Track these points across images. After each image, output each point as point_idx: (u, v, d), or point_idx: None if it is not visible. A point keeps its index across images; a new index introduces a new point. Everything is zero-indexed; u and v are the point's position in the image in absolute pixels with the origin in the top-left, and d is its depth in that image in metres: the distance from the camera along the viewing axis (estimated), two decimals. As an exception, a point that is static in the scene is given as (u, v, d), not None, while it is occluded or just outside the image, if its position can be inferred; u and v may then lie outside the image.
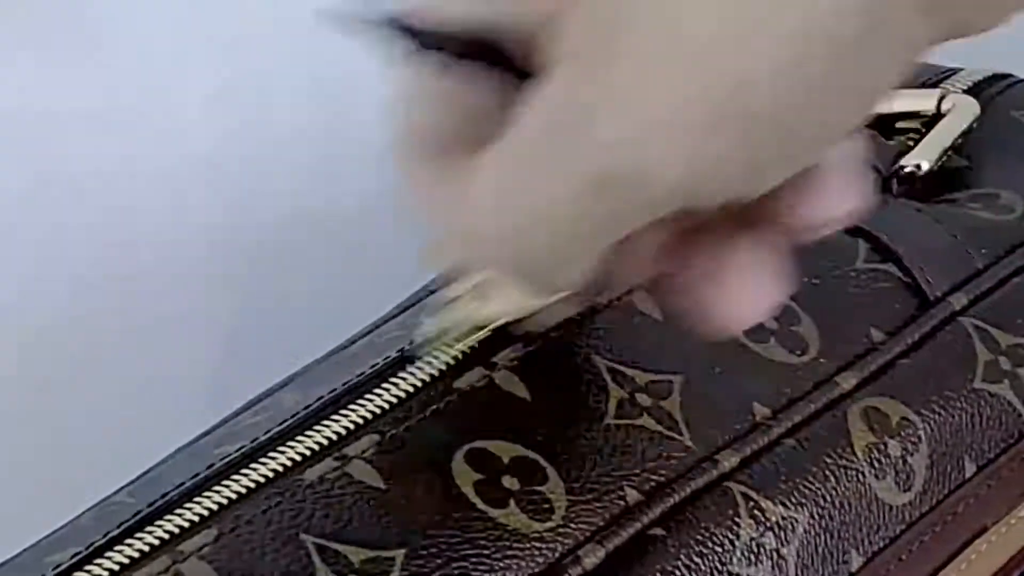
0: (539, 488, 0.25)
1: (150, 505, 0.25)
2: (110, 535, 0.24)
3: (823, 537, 0.27)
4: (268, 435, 0.26)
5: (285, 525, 0.25)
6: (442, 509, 0.25)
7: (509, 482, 0.25)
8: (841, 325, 0.29)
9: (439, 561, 0.24)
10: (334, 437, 0.26)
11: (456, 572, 0.24)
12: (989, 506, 0.29)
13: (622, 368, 0.28)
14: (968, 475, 0.28)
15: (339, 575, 0.24)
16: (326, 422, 0.26)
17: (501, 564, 0.24)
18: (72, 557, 0.24)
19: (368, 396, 0.27)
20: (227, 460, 0.25)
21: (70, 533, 0.25)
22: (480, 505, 0.25)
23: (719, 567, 0.25)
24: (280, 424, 0.28)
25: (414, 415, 0.26)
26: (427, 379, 0.27)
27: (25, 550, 0.26)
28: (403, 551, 0.24)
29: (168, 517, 0.24)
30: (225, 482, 0.25)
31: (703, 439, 0.27)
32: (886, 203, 0.33)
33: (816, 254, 0.30)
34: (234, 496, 0.25)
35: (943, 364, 0.29)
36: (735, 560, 0.26)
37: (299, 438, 0.26)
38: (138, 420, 0.39)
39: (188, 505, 0.24)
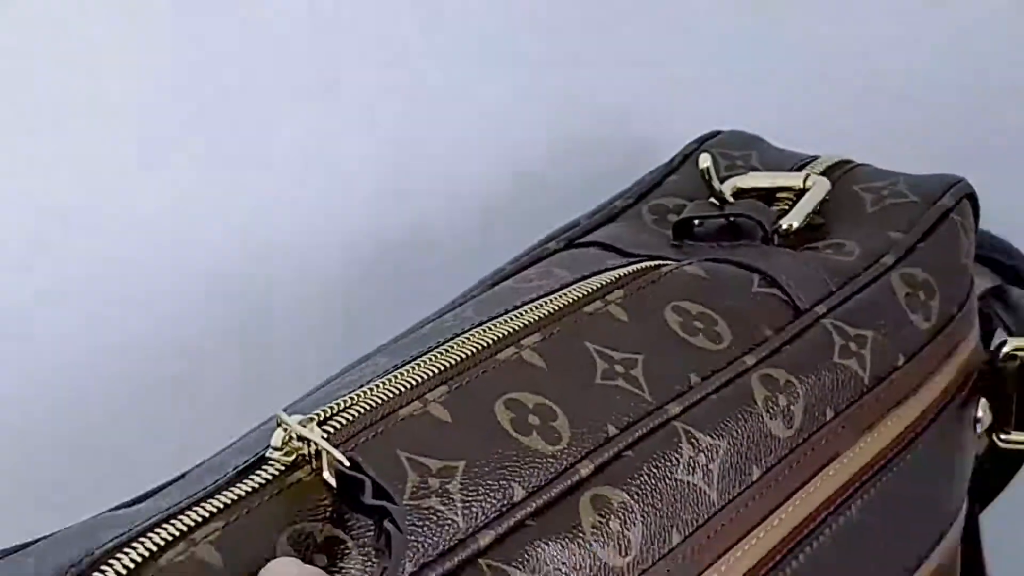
0: (552, 423, 0.27)
1: (177, 502, 0.24)
2: (148, 521, 0.23)
3: (735, 458, 0.29)
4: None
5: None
6: (488, 436, 0.27)
7: (532, 419, 0.27)
8: (745, 326, 0.32)
9: (487, 469, 0.26)
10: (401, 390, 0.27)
11: (498, 475, 0.26)
12: (841, 439, 0.32)
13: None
14: (828, 419, 0.31)
15: (423, 477, 0.25)
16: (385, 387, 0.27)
17: (527, 471, 0.26)
18: (120, 535, 0.23)
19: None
20: (238, 468, 0.25)
21: (122, 516, 0.24)
22: (512, 433, 0.27)
23: (668, 476, 0.28)
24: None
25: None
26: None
27: (87, 521, 0.25)
28: (464, 461, 0.26)
29: (186, 514, 0.23)
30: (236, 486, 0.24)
31: (655, 392, 0.29)
32: (772, 250, 0.35)
33: (726, 283, 0.33)
34: (243, 494, 0.24)
35: (812, 348, 0.32)
36: (679, 471, 0.28)
37: None
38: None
39: (203, 504, 0.24)
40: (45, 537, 0.24)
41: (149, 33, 0.42)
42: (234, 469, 0.25)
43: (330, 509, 0.24)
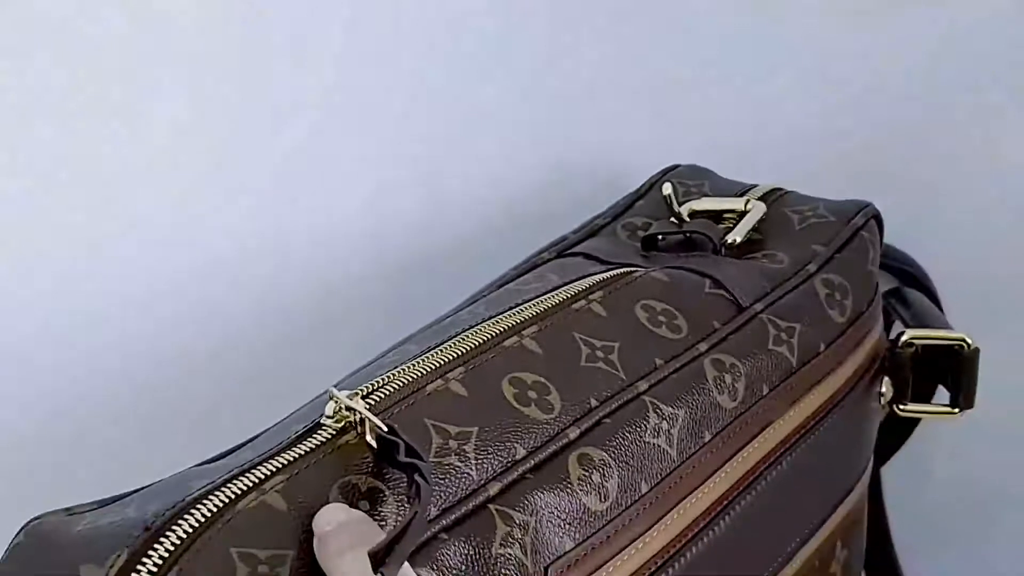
0: (546, 397, 0.27)
1: (249, 460, 0.24)
2: (227, 475, 0.23)
3: (691, 424, 0.29)
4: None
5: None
6: (496, 407, 0.26)
7: (531, 393, 0.27)
8: (699, 320, 0.32)
9: (496, 433, 0.26)
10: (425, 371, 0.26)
11: (504, 438, 0.26)
12: (774, 410, 0.32)
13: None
14: (764, 393, 0.31)
15: (444, 439, 0.25)
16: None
17: (526, 434, 0.26)
18: (205, 485, 0.23)
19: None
20: (298, 432, 0.24)
21: (206, 470, 0.24)
22: (515, 405, 0.27)
23: (638, 438, 0.28)
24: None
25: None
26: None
27: (178, 473, 0.24)
28: (476, 427, 0.26)
29: (257, 469, 0.23)
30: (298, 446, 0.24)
31: (628, 372, 0.29)
32: (720, 260, 0.35)
33: (684, 285, 0.33)
34: (302, 453, 0.24)
35: (752, 337, 0.32)
36: (647, 435, 0.28)
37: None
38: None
39: (271, 461, 0.23)
40: (141, 488, 0.24)
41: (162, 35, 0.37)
42: (295, 433, 0.25)
43: (371, 465, 0.24)
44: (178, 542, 0.21)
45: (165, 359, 0.39)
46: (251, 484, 0.23)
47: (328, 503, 0.23)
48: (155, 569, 0.21)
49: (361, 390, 0.25)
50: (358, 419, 0.24)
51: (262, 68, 0.39)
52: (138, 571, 0.21)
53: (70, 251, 0.38)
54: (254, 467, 0.23)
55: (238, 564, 0.21)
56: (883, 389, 0.38)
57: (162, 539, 0.21)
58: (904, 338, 0.38)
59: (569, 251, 0.37)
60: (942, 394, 0.39)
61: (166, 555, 0.21)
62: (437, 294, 0.35)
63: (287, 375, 0.37)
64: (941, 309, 0.41)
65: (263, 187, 0.40)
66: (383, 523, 0.23)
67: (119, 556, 0.21)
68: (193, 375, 0.39)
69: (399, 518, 0.23)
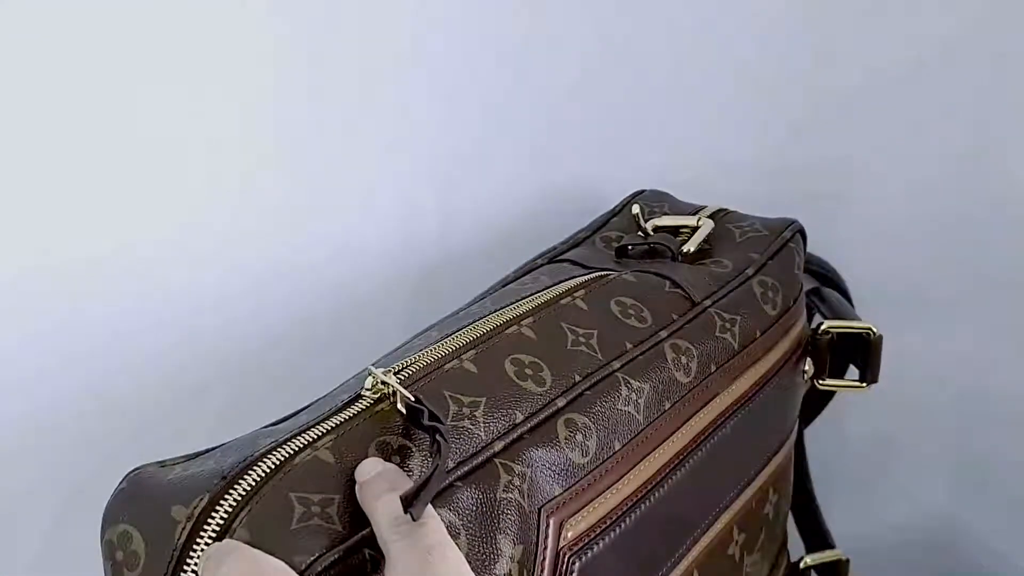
0: (540, 373, 0.27)
1: (305, 422, 0.23)
2: (288, 434, 0.23)
3: (654, 395, 0.29)
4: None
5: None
6: (500, 381, 0.26)
7: (528, 371, 0.26)
8: (661, 312, 0.31)
9: (500, 402, 0.25)
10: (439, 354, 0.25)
11: (507, 405, 0.25)
12: (719, 384, 0.31)
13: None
14: (712, 371, 0.31)
15: (459, 407, 0.24)
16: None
17: (524, 403, 0.26)
18: (270, 443, 0.22)
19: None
20: (344, 401, 0.24)
21: (272, 431, 0.24)
22: (516, 380, 0.26)
23: (613, 406, 0.27)
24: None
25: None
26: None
27: (249, 433, 0.24)
28: (485, 398, 0.25)
29: (311, 430, 0.23)
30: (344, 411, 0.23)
31: (605, 354, 0.28)
32: (677, 265, 0.34)
33: (648, 285, 0.32)
34: (347, 417, 0.23)
35: (703, 327, 0.31)
36: (619, 403, 0.27)
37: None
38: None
39: (321, 424, 0.23)
40: (220, 445, 0.24)
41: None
42: (341, 402, 0.24)
43: (402, 428, 0.23)
44: (248, 488, 0.21)
45: (207, 363, 0.35)
46: (306, 442, 0.23)
47: (367, 457, 0.22)
48: (230, 510, 0.21)
49: (393, 368, 0.25)
50: (391, 391, 0.24)
51: (289, 89, 0.35)
52: (216, 511, 0.21)
53: (119, 270, 0.33)
54: (308, 428, 0.23)
55: (295, 505, 0.21)
56: (806, 367, 0.38)
57: (236, 486, 0.21)
58: (823, 327, 0.38)
59: (558, 258, 0.36)
60: (853, 372, 0.39)
61: (239, 499, 0.21)
62: (456, 292, 0.34)
63: (319, 376, 0.33)
64: (852, 304, 0.41)
65: (285, 205, 0.36)
66: (411, 473, 0.23)
67: (202, 499, 0.21)
68: (228, 380, 0.36)
69: (424, 470, 0.23)
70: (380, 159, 0.39)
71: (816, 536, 0.42)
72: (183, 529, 0.20)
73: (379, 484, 0.21)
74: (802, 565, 0.41)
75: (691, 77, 0.44)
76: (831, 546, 0.42)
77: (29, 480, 0.32)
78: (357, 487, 0.21)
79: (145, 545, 0.21)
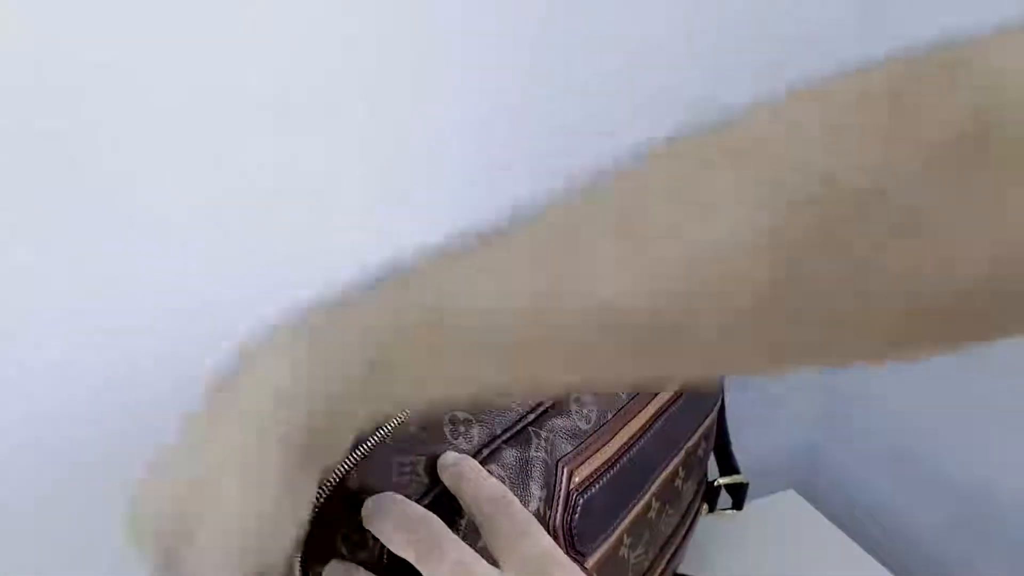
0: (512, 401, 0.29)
1: None
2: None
3: (599, 411, 0.30)
4: None
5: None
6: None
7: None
8: None
9: (485, 419, 0.28)
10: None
11: (490, 422, 0.28)
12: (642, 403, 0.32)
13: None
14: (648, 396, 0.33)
15: (455, 426, 0.27)
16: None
17: (502, 419, 0.29)
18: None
19: None
20: None
21: None
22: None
23: (567, 420, 0.30)
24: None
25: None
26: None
27: None
28: (473, 417, 0.28)
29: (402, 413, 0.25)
30: None
31: None
32: None
33: None
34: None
35: None
36: (573, 417, 0.30)
37: None
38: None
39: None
40: None
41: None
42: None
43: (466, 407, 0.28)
44: (360, 456, 0.26)
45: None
46: (399, 422, 0.28)
47: (441, 428, 0.27)
48: (347, 468, 0.26)
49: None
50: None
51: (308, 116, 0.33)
52: (337, 470, 0.26)
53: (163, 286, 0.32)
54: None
55: (394, 465, 0.27)
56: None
57: (355, 452, 0.26)
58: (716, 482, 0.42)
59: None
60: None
61: (355, 462, 0.26)
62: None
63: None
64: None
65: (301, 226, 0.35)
66: (471, 440, 0.28)
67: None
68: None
69: (480, 437, 0.28)
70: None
71: (727, 464, 0.47)
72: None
73: (451, 456, 0.25)
74: (716, 484, 0.46)
75: (712, 84, 0.40)
76: (737, 471, 0.47)
77: (28, 480, 0.32)
78: (442, 470, 0.25)
79: None
